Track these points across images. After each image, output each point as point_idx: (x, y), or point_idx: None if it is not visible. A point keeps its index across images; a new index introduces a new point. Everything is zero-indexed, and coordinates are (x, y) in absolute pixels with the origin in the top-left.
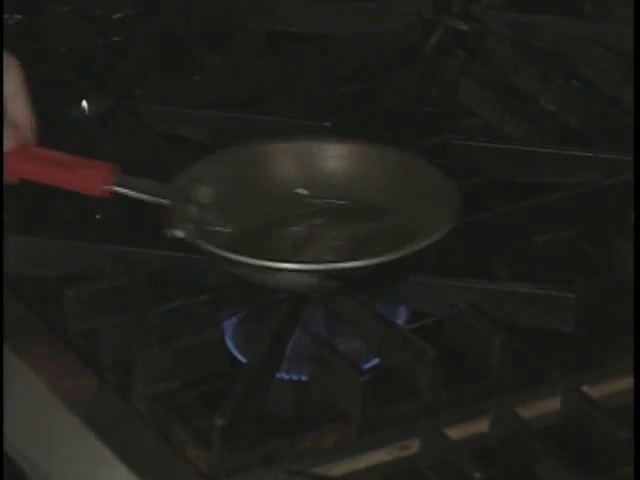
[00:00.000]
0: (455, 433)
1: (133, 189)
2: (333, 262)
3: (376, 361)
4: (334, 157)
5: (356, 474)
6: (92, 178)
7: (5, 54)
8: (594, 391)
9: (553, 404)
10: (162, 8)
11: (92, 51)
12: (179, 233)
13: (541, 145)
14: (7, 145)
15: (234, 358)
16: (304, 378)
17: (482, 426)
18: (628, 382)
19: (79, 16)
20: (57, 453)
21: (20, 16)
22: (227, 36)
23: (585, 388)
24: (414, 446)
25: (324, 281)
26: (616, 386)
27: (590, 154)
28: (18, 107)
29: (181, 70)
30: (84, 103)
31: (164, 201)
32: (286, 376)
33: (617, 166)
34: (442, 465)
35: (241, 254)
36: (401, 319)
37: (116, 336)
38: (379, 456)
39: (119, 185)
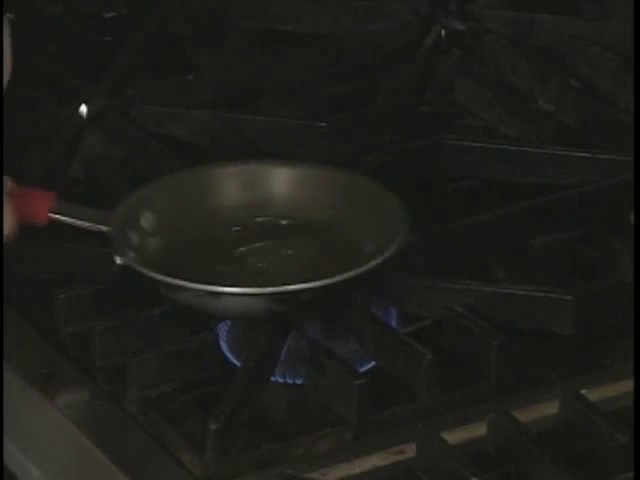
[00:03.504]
0: (452, 437)
1: (73, 216)
2: (279, 285)
3: (372, 364)
4: (278, 180)
5: (351, 478)
6: (31, 207)
7: None
8: (593, 394)
9: (551, 408)
10: (155, 7)
11: (85, 50)
12: (119, 260)
13: (539, 145)
14: None
15: (228, 361)
16: (299, 381)
17: (479, 430)
18: (627, 385)
19: (71, 15)
20: (49, 458)
21: (12, 15)
22: (221, 35)
23: (584, 391)
24: (410, 450)
25: (270, 305)
26: (615, 389)
27: (588, 154)
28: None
29: (174, 70)
30: (83, 107)
31: (104, 228)
32: (281, 379)
33: (616, 166)
34: (439, 470)
35: (182, 279)
36: (397, 322)
37: (108, 339)
38: (375, 461)
39: (58, 213)
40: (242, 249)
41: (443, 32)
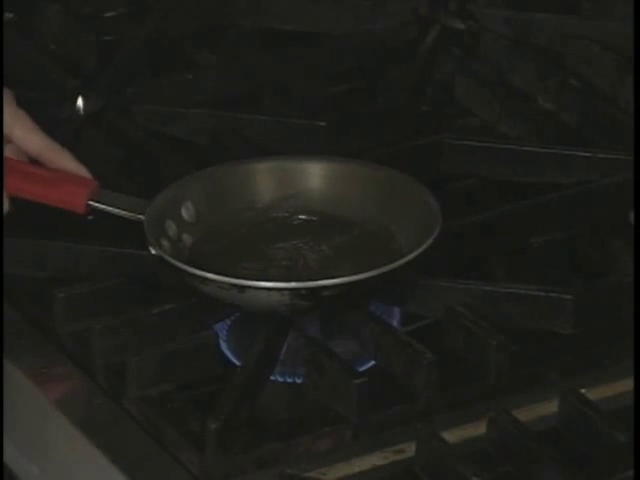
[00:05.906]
0: (452, 436)
1: (111, 205)
2: (302, 281)
3: (371, 363)
4: (312, 175)
5: (351, 478)
6: (70, 194)
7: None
8: (593, 393)
9: (551, 406)
10: (155, 6)
11: (84, 49)
12: (152, 250)
13: (539, 144)
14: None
15: (228, 361)
16: (299, 381)
17: (479, 429)
18: (627, 384)
19: (71, 14)
20: (49, 456)
21: (11, 14)
22: (220, 34)
23: (584, 390)
24: (410, 450)
25: (294, 300)
26: (615, 388)
27: (588, 153)
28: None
29: (174, 69)
30: (79, 102)
31: (141, 217)
32: (280, 379)
33: (615, 166)
34: (438, 469)
35: (210, 271)
36: (397, 321)
37: (108, 338)
38: (374, 460)
39: (97, 201)
40: (275, 244)
41: (443, 31)
